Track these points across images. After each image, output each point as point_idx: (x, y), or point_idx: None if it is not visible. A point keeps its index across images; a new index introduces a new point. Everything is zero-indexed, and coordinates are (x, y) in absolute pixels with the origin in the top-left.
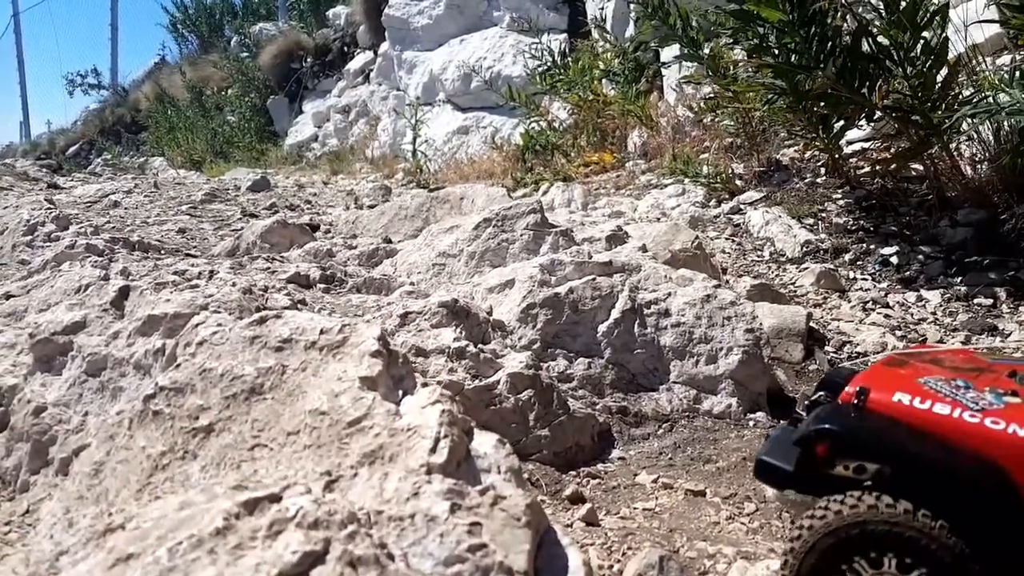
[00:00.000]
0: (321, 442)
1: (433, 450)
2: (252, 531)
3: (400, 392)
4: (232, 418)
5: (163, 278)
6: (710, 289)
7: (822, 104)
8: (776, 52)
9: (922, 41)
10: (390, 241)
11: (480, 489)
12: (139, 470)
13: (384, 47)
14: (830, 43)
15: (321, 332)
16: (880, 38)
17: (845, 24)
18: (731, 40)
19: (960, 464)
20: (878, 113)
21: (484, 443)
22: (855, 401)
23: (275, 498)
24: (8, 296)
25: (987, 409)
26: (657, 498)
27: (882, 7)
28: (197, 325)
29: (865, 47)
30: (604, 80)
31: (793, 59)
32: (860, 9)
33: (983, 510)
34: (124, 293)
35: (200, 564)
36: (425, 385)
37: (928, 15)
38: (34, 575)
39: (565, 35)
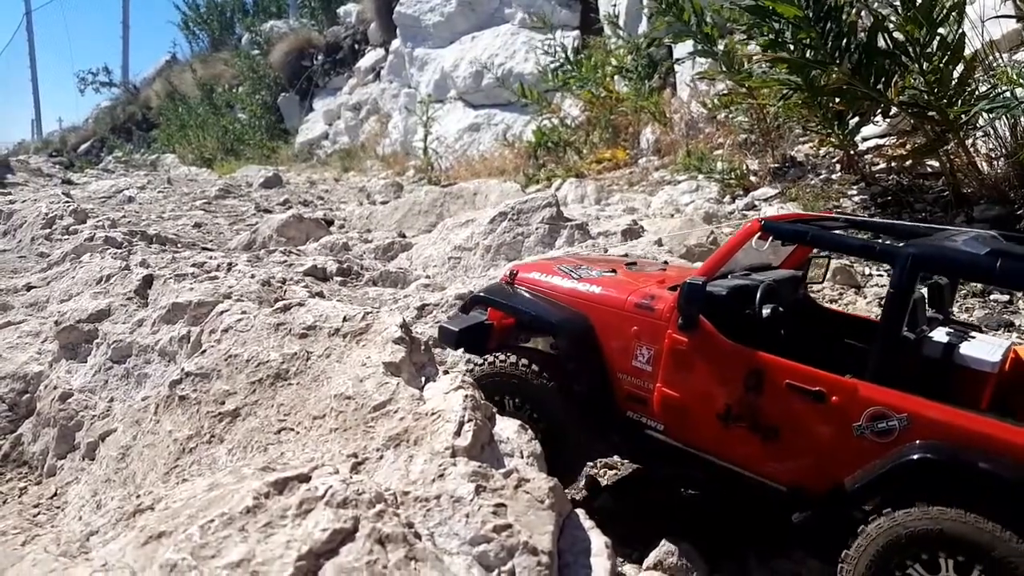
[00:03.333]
0: (347, 426)
1: (457, 433)
2: (282, 510)
3: (423, 379)
4: (258, 403)
5: (182, 270)
6: None
7: (837, 100)
8: (791, 48)
9: (938, 37)
10: (404, 235)
11: (504, 472)
12: (166, 453)
13: (395, 44)
14: (846, 39)
15: (344, 319)
16: (896, 34)
17: (860, 20)
18: (746, 36)
19: (559, 314)
20: (894, 109)
21: (507, 428)
22: (507, 279)
23: (304, 478)
24: (30, 287)
25: (584, 278)
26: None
27: (898, 3)
28: (222, 313)
29: (881, 43)
30: (616, 77)
31: (808, 55)
32: (876, 4)
33: (574, 349)
34: (148, 282)
35: (231, 541)
36: (447, 372)
37: (944, 11)
38: (65, 553)
39: (577, 32)
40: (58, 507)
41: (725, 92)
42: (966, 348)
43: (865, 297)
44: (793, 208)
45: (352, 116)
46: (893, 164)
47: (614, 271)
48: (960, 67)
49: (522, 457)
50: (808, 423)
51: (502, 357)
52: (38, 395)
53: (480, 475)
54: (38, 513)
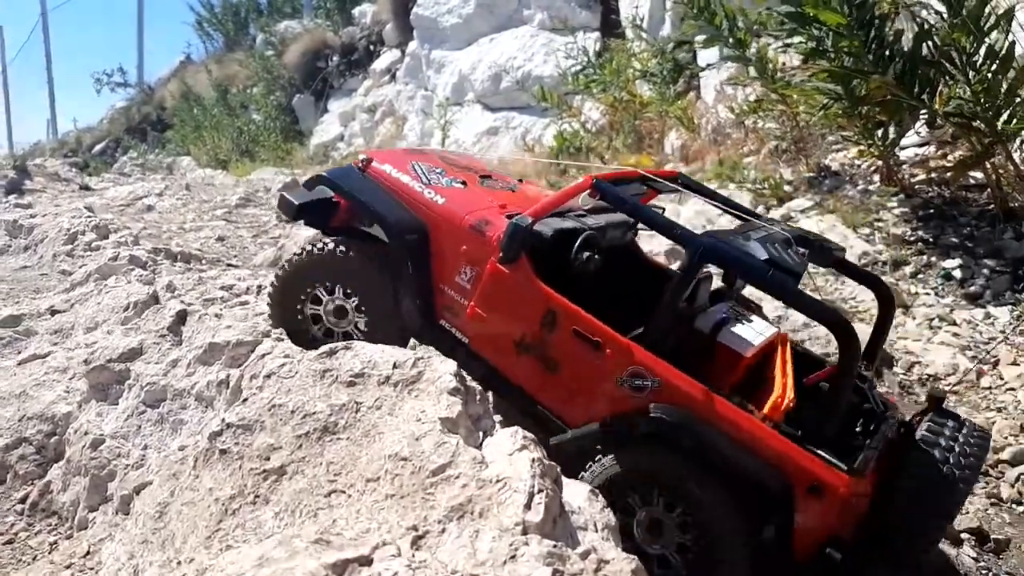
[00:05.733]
0: (404, 492)
1: (528, 506)
2: None
3: (480, 433)
4: (305, 459)
5: (210, 293)
6: (781, 309)
7: (878, 109)
8: (831, 56)
9: (986, 45)
10: None
11: (581, 552)
12: (207, 514)
13: (412, 46)
14: (889, 47)
15: (394, 366)
16: (942, 42)
17: (904, 28)
18: (784, 43)
19: (398, 216)
20: (938, 120)
21: (576, 495)
22: (360, 165)
23: (365, 561)
24: (53, 311)
25: (433, 185)
26: None
27: (944, 10)
28: (263, 356)
29: (925, 51)
30: (639, 80)
31: (848, 63)
32: (922, 12)
33: (405, 254)
34: (182, 317)
35: None
36: (504, 425)
37: (993, 19)
38: None
39: (597, 34)
40: (91, 568)
41: (758, 99)
42: (733, 329)
43: (914, 318)
44: (832, 220)
45: (367, 118)
46: (933, 176)
47: (465, 183)
48: (1009, 76)
49: (596, 531)
50: (584, 365)
51: (319, 246)
52: (67, 438)
53: (556, 556)
54: (71, 575)
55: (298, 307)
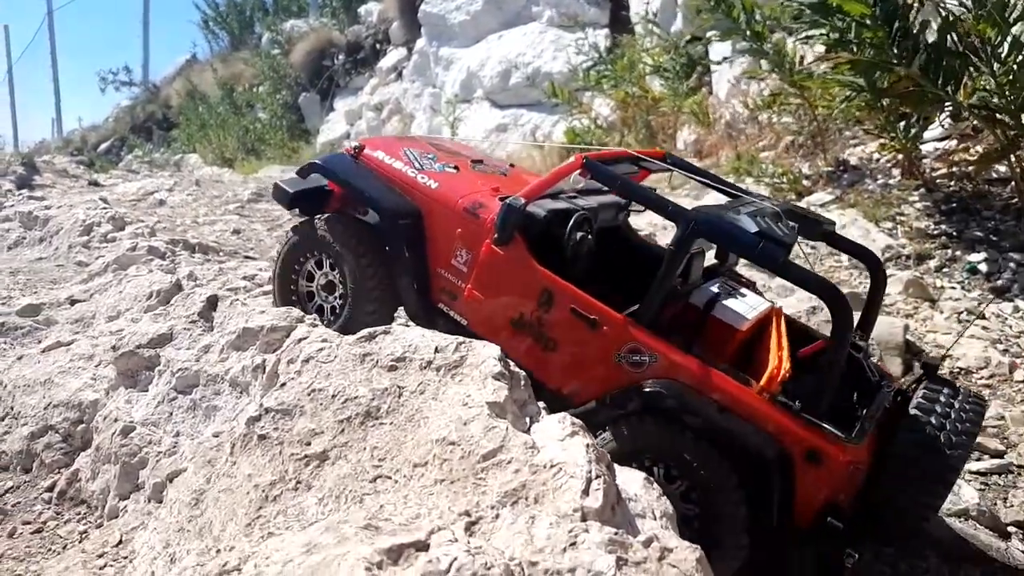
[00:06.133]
0: (454, 477)
1: (586, 492)
2: None
3: (527, 419)
4: (348, 444)
5: (232, 283)
6: (814, 301)
7: (900, 102)
8: (854, 47)
9: (1011, 36)
10: None
11: (643, 540)
12: (246, 501)
13: (420, 44)
14: (913, 39)
15: (436, 350)
16: (967, 33)
17: (929, 18)
18: (805, 35)
19: (392, 201)
20: (963, 112)
21: (631, 482)
22: (352, 152)
23: (422, 546)
24: (73, 301)
25: (426, 170)
26: None
27: (969, 1)
28: (300, 340)
29: (950, 42)
30: (651, 76)
31: (871, 54)
32: (947, 2)
33: (399, 238)
34: (212, 303)
35: None
36: (549, 411)
37: (1019, 9)
38: None
39: (606, 30)
40: (125, 557)
41: (770, 92)
42: (727, 303)
43: (942, 312)
44: (853, 214)
45: (374, 116)
46: (954, 169)
47: (457, 168)
48: None
49: (655, 518)
50: (581, 343)
51: (311, 225)
52: (95, 426)
53: (618, 544)
54: (104, 565)
55: (292, 287)
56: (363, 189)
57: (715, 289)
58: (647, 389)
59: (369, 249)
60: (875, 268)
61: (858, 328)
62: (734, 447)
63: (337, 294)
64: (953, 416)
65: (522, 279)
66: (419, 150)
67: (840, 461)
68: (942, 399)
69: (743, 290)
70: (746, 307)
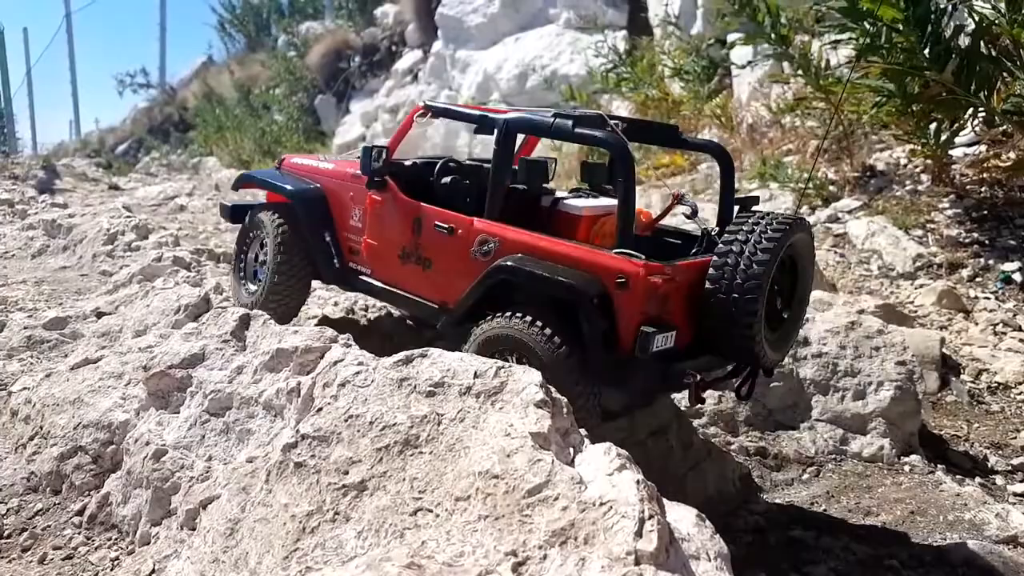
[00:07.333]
0: (498, 513)
1: (639, 533)
2: None
3: (570, 449)
4: (386, 474)
5: None
6: (853, 315)
7: (931, 107)
8: (885, 52)
9: None
10: None
11: None
12: (283, 532)
13: (436, 46)
14: (946, 44)
15: (475, 375)
16: (1001, 38)
17: (962, 23)
18: (834, 39)
19: (298, 185)
20: (996, 118)
21: (682, 520)
22: (277, 165)
23: None
24: (99, 314)
25: (328, 160)
26: (826, 561)
27: (1003, 5)
28: (335, 363)
29: (983, 47)
30: (670, 79)
31: (902, 59)
32: (981, 7)
33: (307, 214)
34: (245, 322)
35: None
36: (593, 441)
37: None
38: None
39: (624, 32)
40: None
41: (801, 97)
42: (569, 201)
43: (977, 323)
44: (883, 221)
45: (390, 118)
46: (986, 176)
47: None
48: None
49: (709, 560)
50: (445, 252)
51: (252, 216)
52: (125, 447)
53: None
54: None
55: (242, 266)
56: (279, 182)
57: (563, 194)
58: (494, 266)
59: (287, 230)
60: (720, 156)
61: (718, 224)
62: (561, 286)
63: (265, 268)
64: (752, 240)
65: (398, 215)
66: (332, 155)
67: (641, 278)
68: (745, 227)
69: (600, 196)
70: (587, 202)
